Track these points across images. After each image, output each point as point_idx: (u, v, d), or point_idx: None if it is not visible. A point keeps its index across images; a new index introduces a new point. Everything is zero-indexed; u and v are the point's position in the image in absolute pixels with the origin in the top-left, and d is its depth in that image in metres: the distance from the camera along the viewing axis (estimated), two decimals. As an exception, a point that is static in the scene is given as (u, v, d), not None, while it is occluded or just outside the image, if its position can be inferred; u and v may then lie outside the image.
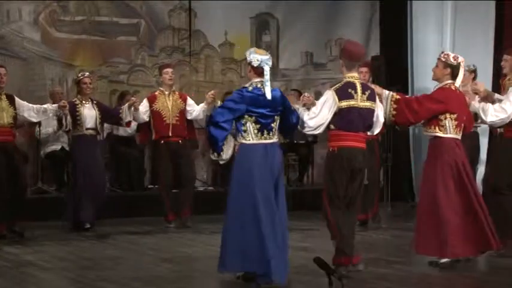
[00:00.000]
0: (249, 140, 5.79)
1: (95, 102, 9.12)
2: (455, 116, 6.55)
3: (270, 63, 5.85)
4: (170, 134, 9.12)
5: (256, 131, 5.79)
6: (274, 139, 5.86)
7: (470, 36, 11.15)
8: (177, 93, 9.39)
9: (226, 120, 5.79)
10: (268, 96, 5.75)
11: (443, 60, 6.62)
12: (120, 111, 9.13)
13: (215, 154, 5.76)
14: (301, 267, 6.38)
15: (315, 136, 11.76)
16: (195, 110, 9.30)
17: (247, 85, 5.89)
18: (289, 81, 12.49)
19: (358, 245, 7.74)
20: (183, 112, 9.24)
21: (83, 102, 8.97)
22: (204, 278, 6.25)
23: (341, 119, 6.06)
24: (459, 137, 6.63)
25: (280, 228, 5.77)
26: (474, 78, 8.94)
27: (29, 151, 10.42)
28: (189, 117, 9.32)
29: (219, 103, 9.18)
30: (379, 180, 9.66)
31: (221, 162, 5.77)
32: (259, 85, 5.82)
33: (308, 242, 8.07)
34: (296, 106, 6.16)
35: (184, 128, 9.27)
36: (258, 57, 5.83)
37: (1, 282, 6.03)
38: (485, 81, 10.28)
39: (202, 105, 9.29)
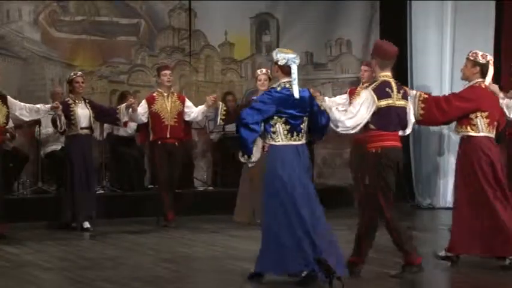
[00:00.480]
0: (279, 141, 5.73)
1: (87, 101, 9.11)
2: (486, 114, 6.48)
3: (297, 61, 5.77)
4: (168, 136, 9.15)
5: (286, 132, 5.74)
6: (303, 140, 5.80)
7: (470, 36, 11.14)
8: (175, 94, 9.40)
9: (256, 122, 5.72)
10: (296, 95, 5.67)
11: (472, 59, 6.57)
12: (117, 111, 9.13)
13: (245, 156, 5.67)
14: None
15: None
16: (193, 111, 9.32)
17: (275, 85, 5.82)
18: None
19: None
20: (181, 114, 9.25)
21: (76, 101, 8.96)
22: (204, 278, 6.24)
23: (380, 118, 6.00)
24: (492, 135, 6.56)
25: (323, 224, 5.75)
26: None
27: (29, 151, 10.42)
28: (187, 119, 9.34)
29: (220, 105, 9.22)
30: None
31: (250, 165, 5.77)
32: (287, 85, 5.74)
33: (308, 242, 8.04)
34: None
35: (182, 130, 9.30)
36: (283, 55, 5.76)
37: (1, 282, 6.03)
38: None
39: (201, 107, 9.31)
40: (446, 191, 11.37)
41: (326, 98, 8.25)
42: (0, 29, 10.91)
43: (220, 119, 9.23)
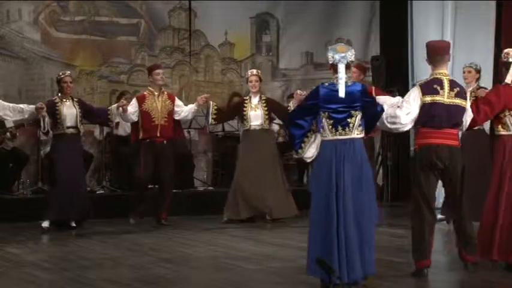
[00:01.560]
0: (326, 136, 5.72)
1: (75, 100, 9.02)
2: None
3: (345, 60, 5.75)
4: (158, 135, 9.09)
5: (330, 127, 5.70)
6: (353, 135, 5.71)
7: (470, 36, 11.14)
8: (165, 93, 9.32)
9: (301, 117, 5.75)
10: (341, 94, 5.65)
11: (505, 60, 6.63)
12: (109, 112, 9.07)
13: (295, 152, 5.79)
14: (301, 267, 6.37)
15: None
16: (184, 110, 9.26)
17: (325, 81, 5.87)
18: (289, 81, 12.50)
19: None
20: (171, 113, 9.19)
21: (63, 100, 8.87)
22: (204, 278, 6.24)
23: (424, 114, 5.99)
24: None
25: (364, 228, 5.75)
26: (479, 79, 8.96)
27: (29, 151, 10.42)
28: (176, 118, 9.27)
29: (211, 105, 9.20)
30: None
31: (307, 161, 5.78)
32: (335, 81, 5.74)
33: (308, 242, 8.04)
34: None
35: (172, 129, 9.22)
36: (332, 54, 5.78)
37: (1, 282, 6.03)
38: (486, 81, 10.28)
39: (192, 106, 9.27)
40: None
41: None
42: (0, 29, 10.91)
43: (212, 118, 9.22)
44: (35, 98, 10.24)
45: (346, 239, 5.60)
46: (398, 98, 9.10)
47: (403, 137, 11.86)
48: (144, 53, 11.84)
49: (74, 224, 8.84)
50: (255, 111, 9.35)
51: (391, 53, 11.99)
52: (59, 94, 8.97)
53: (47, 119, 8.66)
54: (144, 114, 9.10)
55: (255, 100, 9.40)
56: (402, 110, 6.00)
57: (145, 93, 9.27)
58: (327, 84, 5.78)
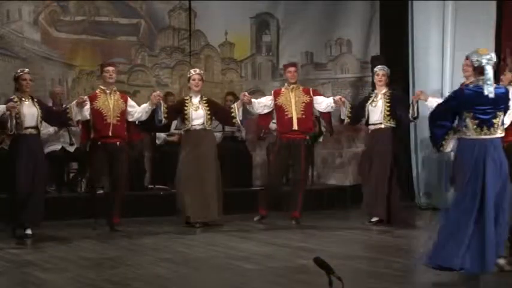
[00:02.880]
0: (469, 135, 5.94)
1: (35, 100, 8.63)
2: None
3: (492, 62, 5.99)
4: (110, 134, 8.77)
5: (475, 127, 5.91)
6: (497, 134, 5.97)
7: (471, 36, 11.13)
8: (118, 93, 9.04)
9: (444, 118, 6.05)
10: (491, 95, 5.89)
11: None
12: (68, 110, 8.71)
13: (436, 149, 6.12)
14: (301, 267, 6.38)
15: (315, 137, 11.78)
16: (137, 111, 9.00)
17: (468, 82, 6.04)
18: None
19: (361, 244, 7.78)
20: (124, 113, 8.89)
21: (23, 99, 8.45)
22: (204, 278, 6.24)
23: None
24: None
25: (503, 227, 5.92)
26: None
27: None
28: (130, 119, 8.98)
29: (162, 104, 9.07)
30: (304, 179, 9.63)
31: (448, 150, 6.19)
32: (480, 83, 5.94)
33: (308, 242, 8.07)
34: None
35: (124, 129, 8.92)
36: (477, 57, 5.98)
37: (1, 282, 6.03)
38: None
39: (145, 105, 9.04)
40: (446, 191, 11.37)
41: None
42: (0, 29, 10.91)
43: (164, 117, 9.06)
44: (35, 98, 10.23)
45: (485, 235, 5.79)
46: (331, 99, 9.40)
47: (403, 137, 11.88)
48: (144, 53, 11.84)
49: (29, 232, 8.36)
50: (196, 110, 9.15)
51: (391, 53, 11.99)
52: (17, 93, 8.50)
53: (14, 120, 8.30)
54: (95, 112, 8.77)
55: (195, 100, 9.21)
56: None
57: (97, 91, 8.94)
58: (471, 86, 6.06)
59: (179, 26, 12.02)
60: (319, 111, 9.60)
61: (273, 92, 9.68)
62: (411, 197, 11.75)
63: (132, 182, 10.65)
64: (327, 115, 9.63)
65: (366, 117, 9.40)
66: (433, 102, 9.14)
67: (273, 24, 12.53)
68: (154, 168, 10.99)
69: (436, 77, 11.38)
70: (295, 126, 9.29)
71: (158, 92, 9.23)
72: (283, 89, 9.51)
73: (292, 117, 9.31)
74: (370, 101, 9.42)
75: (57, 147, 10.20)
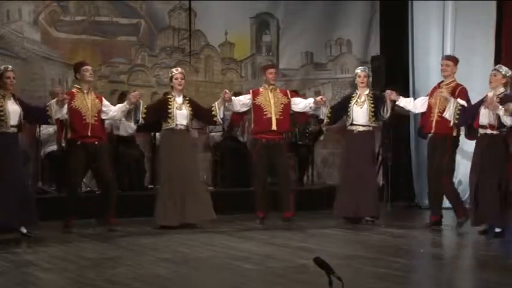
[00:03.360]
0: None
1: (17, 98, 8.42)
2: None
3: None
4: (89, 134, 8.65)
5: None
6: None
7: (471, 36, 11.15)
8: (93, 92, 8.93)
9: None
10: None
11: None
12: (47, 108, 8.50)
13: None
14: (301, 267, 6.38)
15: (313, 137, 11.78)
16: (112, 110, 8.90)
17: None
18: (289, 81, 12.50)
19: (361, 244, 7.77)
20: (100, 112, 8.80)
21: (6, 97, 8.25)
22: (204, 278, 6.24)
23: None
24: None
25: None
26: (506, 85, 8.48)
27: (29, 151, 10.41)
28: (104, 117, 8.87)
29: (141, 104, 9.02)
30: (288, 179, 9.63)
31: None
32: None
33: (308, 242, 8.06)
34: None
35: (102, 129, 8.87)
36: None
37: (1, 282, 6.03)
38: (486, 81, 10.28)
39: (121, 105, 8.94)
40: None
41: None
42: (0, 29, 10.91)
43: (142, 117, 8.97)
44: (35, 98, 10.24)
45: None
46: (310, 99, 9.43)
47: (403, 137, 11.90)
48: (144, 53, 11.84)
49: (24, 231, 8.29)
50: (180, 110, 9.09)
51: (391, 53, 12.00)
52: (0, 90, 8.25)
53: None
54: (73, 111, 8.61)
55: (179, 99, 9.14)
56: None
57: (73, 90, 8.80)
58: None
59: (179, 26, 12.02)
60: (294, 111, 9.62)
61: (251, 91, 9.64)
62: (411, 197, 11.76)
63: (132, 182, 10.66)
64: (303, 115, 9.71)
65: (351, 118, 9.43)
66: (404, 101, 9.30)
67: (273, 24, 12.53)
68: (154, 168, 10.98)
69: (436, 77, 11.36)
70: (274, 127, 9.31)
71: (137, 92, 9.09)
72: (261, 89, 9.51)
73: (271, 118, 9.33)
74: (353, 102, 9.47)
75: (56, 147, 10.20)
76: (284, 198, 9.40)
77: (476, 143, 8.50)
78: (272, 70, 9.60)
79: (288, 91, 9.74)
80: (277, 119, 9.32)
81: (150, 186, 10.91)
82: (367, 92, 9.52)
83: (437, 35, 11.50)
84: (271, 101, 9.38)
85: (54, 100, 8.55)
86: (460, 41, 11.24)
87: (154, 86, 11.70)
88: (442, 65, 9.14)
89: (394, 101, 9.30)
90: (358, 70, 9.67)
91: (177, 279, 6.13)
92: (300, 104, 9.50)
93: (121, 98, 10.59)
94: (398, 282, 6.04)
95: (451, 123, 8.73)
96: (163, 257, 7.09)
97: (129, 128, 10.14)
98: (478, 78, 10.19)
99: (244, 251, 7.35)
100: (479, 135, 8.42)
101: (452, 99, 8.72)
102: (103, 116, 8.86)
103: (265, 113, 9.35)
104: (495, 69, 8.53)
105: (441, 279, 6.23)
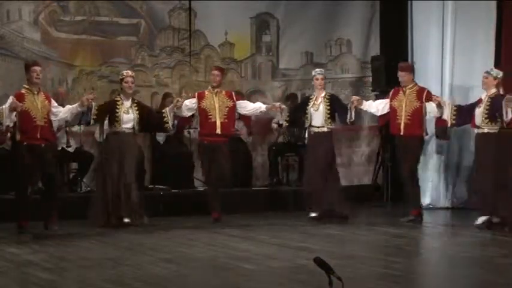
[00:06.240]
0: None
1: None
2: None
3: None
4: (38, 136, 8.47)
5: None
6: None
7: (471, 36, 11.15)
8: (42, 93, 8.75)
9: None
10: None
11: None
12: None
13: None
14: (301, 267, 6.38)
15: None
16: (61, 111, 8.78)
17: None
18: (289, 81, 12.50)
19: (361, 244, 7.77)
20: (49, 113, 8.65)
21: None
22: (204, 278, 6.24)
23: None
24: None
25: None
26: (498, 85, 8.98)
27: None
28: (53, 119, 8.73)
29: (93, 105, 8.86)
30: (224, 182, 9.67)
31: None
32: None
33: (308, 242, 8.06)
34: None
35: (51, 131, 8.71)
36: None
37: (1, 282, 6.03)
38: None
39: (71, 106, 8.83)
40: (446, 191, 11.37)
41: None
42: (0, 29, 10.91)
43: (93, 118, 8.95)
44: (35, 98, 10.21)
45: None
46: (259, 104, 9.65)
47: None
48: (144, 53, 11.83)
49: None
50: (127, 113, 9.05)
51: (391, 53, 11.99)
52: None
53: None
54: (22, 113, 8.39)
55: (127, 102, 9.11)
56: None
57: (22, 91, 8.57)
58: None
59: (179, 26, 12.02)
60: (239, 113, 9.68)
61: (196, 94, 9.67)
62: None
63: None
64: (247, 118, 9.81)
65: (309, 120, 9.62)
66: (367, 105, 9.66)
67: (273, 24, 12.53)
68: (154, 168, 10.99)
69: (435, 77, 11.39)
70: (218, 131, 9.39)
71: (91, 95, 8.91)
72: (207, 92, 9.55)
73: (215, 122, 9.39)
74: (311, 105, 9.64)
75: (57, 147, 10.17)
76: (214, 198, 9.48)
77: (475, 143, 9.00)
78: (216, 72, 9.64)
79: (233, 93, 9.76)
80: (221, 123, 9.39)
81: (150, 186, 10.90)
82: (323, 94, 9.70)
83: (437, 35, 11.50)
84: (215, 105, 9.43)
85: (7, 106, 8.34)
86: (460, 41, 11.24)
87: (154, 86, 11.70)
88: (399, 77, 9.61)
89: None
90: (315, 73, 9.82)
91: (177, 279, 6.13)
92: (247, 108, 9.63)
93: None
94: (398, 282, 6.04)
95: (449, 124, 9.19)
96: (163, 257, 7.09)
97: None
98: (478, 78, 10.18)
99: (244, 251, 7.35)
100: (475, 135, 8.96)
101: (446, 102, 9.21)
102: (52, 118, 8.69)
103: (210, 116, 9.40)
104: (486, 72, 9.03)
105: (441, 279, 6.24)
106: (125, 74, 9.28)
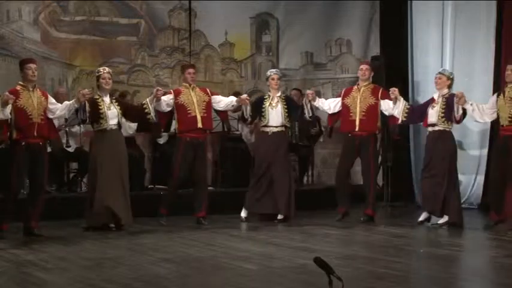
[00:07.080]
0: None
1: None
2: None
3: None
4: (35, 134, 8.33)
5: None
6: None
7: (470, 36, 11.15)
8: (38, 90, 8.64)
9: None
10: None
11: None
12: None
13: None
14: (301, 267, 6.38)
15: (314, 138, 11.78)
16: (59, 108, 8.67)
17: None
18: (289, 81, 12.51)
19: (361, 244, 7.76)
20: (46, 110, 8.54)
21: None
22: (204, 278, 6.24)
23: None
24: None
25: None
26: (451, 86, 9.13)
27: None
28: (51, 116, 8.63)
29: (86, 103, 8.77)
30: (205, 180, 9.69)
31: None
32: None
33: (308, 242, 8.06)
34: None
35: (48, 128, 8.58)
36: None
37: (1, 282, 6.03)
38: (486, 82, 10.31)
39: (69, 103, 8.71)
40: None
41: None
42: (0, 29, 10.91)
43: (87, 116, 8.84)
44: (35, 98, 10.22)
45: None
46: (231, 98, 9.66)
47: (402, 137, 11.89)
48: (144, 53, 11.84)
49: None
50: (110, 109, 8.93)
51: (391, 53, 12.00)
52: None
53: None
54: (18, 111, 8.25)
55: (107, 99, 8.97)
56: None
57: (18, 88, 8.41)
58: None
59: (179, 26, 12.03)
60: (215, 109, 9.64)
61: (172, 90, 9.61)
62: (411, 197, 11.77)
63: (132, 182, 10.65)
64: (224, 114, 9.76)
65: (266, 119, 9.66)
66: (320, 102, 9.72)
67: (273, 24, 12.54)
68: (154, 168, 10.99)
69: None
70: (199, 125, 9.34)
71: (87, 90, 8.80)
72: (183, 88, 9.50)
73: (196, 116, 9.34)
74: (267, 104, 9.68)
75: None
76: (198, 198, 9.45)
77: (427, 141, 9.27)
78: (191, 70, 9.59)
79: (207, 89, 9.71)
80: (202, 117, 9.35)
81: (150, 186, 10.91)
82: (279, 94, 9.77)
83: (436, 35, 11.50)
84: (193, 100, 9.38)
85: None
86: (460, 41, 11.24)
87: (154, 86, 11.69)
88: (361, 69, 9.69)
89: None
90: (271, 73, 9.84)
91: (177, 279, 6.13)
92: (221, 103, 9.61)
93: (121, 98, 10.58)
94: (398, 282, 6.04)
95: (399, 121, 9.37)
96: (163, 257, 7.09)
97: (129, 128, 10.12)
98: (478, 78, 10.20)
99: (244, 251, 7.35)
100: (428, 133, 9.21)
101: (401, 99, 9.32)
102: (50, 115, 8.58)
103: (189, 111, 9.34)
104: (440, 73, 9.17)
105: (441, 279, 6.23)
106: (101, 70, 9.10)
